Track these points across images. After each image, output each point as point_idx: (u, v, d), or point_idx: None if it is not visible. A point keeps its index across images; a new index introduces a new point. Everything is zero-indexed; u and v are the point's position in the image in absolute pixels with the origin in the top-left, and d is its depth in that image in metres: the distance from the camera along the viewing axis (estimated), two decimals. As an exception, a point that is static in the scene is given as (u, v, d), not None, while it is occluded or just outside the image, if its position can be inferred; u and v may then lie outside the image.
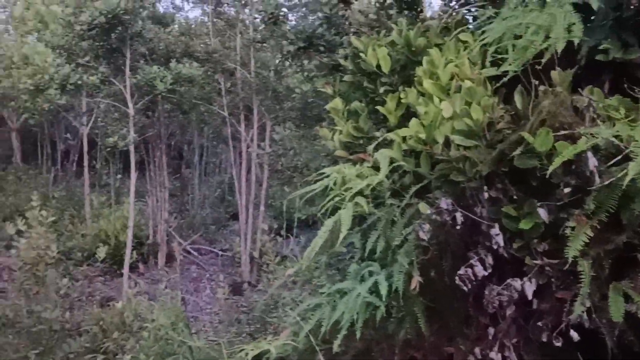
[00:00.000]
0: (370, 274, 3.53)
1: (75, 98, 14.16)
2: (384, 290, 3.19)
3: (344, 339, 3.36)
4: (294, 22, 11.16)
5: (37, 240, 6.63)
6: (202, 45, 12.27)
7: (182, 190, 19.13)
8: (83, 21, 9.61)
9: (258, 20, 12.65)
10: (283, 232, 9.12)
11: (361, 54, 3.93)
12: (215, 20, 13.95)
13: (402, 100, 3.44)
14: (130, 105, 10.44)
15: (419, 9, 4.76)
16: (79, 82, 9.98)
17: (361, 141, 3.98)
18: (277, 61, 12.25)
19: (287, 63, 11.99)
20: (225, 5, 14.04)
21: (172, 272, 13.21)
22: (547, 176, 2.67)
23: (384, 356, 3.90)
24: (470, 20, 4.10)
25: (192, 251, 15.07)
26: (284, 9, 10.12)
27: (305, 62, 11.36)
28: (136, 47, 10.83)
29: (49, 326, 5.42)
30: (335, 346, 3.35)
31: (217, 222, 17.03)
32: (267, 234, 8.18)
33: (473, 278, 3.04)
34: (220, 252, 14.43)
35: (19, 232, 6.88)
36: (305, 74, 11.36)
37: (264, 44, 12.49)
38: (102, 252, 8.24)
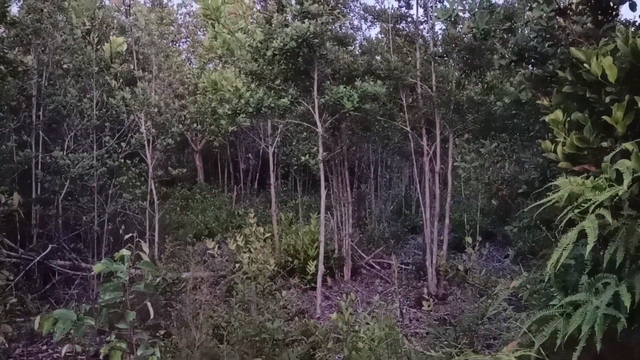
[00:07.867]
0: (604, 285, 3.50)
1: (263, 120, 14.91)
2: (627, 302, 3.17)
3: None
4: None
5: (256, 255, 7.14)
6: (382, 62, 12.52)
7: (358, 205, 19.48)
8: (275, 47, 10.16)
9: (439, 33, 12.76)
10: (476, 246, 9.07)
11: (584, 65, 3.90)
12: (394, 37, 14.18)
13: (641, 107, 3.39)
14: (319, 124, 10.86)
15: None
16: (272, 104, 10.55)
17: (585, 152, 3.95)
18: (457, 74, 12.27)
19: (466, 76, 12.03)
20: (404, 22, 14.22)
21: (359, 286, 13.56)
22: None
23: (619, 368, 3.85)
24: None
25: (374, 265, 15.37)
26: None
27: (488, 73, 11.39)
28: (322, 69, 11.26)
29: (271, 335, 5.79)
30: (575, 358, 3.36)
31: (395, 236, 17.20)
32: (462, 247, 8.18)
33: None
34: (402, 266, 14.60)
35: (238, 248, 7.44)
36: (485, 85, 11.34)
37: (445, 58, 12.56)
38: (311, 266, 8.65)
